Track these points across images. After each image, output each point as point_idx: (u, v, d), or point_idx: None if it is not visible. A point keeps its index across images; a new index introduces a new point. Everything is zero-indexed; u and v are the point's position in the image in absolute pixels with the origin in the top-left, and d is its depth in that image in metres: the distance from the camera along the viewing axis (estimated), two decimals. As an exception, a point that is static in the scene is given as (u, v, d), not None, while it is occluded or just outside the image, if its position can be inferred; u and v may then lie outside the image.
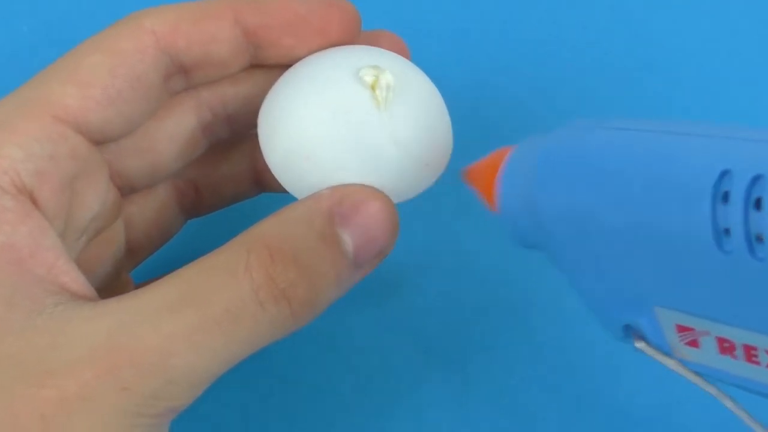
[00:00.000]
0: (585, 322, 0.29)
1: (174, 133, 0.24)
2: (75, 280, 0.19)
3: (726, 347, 0.12)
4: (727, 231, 0.11)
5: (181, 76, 0.22)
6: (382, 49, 0.23)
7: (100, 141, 0.21)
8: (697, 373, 0.14)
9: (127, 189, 0.24)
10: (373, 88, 0.21)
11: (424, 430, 0.28)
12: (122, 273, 0.25)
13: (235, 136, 0.27)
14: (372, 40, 0.24)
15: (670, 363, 0.14)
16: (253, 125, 0.24)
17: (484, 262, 0.30)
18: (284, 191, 0.27)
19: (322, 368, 0.29)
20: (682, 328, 0.13)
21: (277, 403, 0.28)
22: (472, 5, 0.34)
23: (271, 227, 0.20)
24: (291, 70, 0.23)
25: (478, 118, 0.31)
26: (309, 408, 0.28)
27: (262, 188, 0.28)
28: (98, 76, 0.20)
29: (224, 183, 0.27)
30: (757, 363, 0.12)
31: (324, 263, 0.20)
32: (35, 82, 0.21)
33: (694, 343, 0.13)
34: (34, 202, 0.19)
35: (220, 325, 0.18)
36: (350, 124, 0.21)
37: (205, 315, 0.18)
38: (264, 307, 0.19)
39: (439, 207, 0.30)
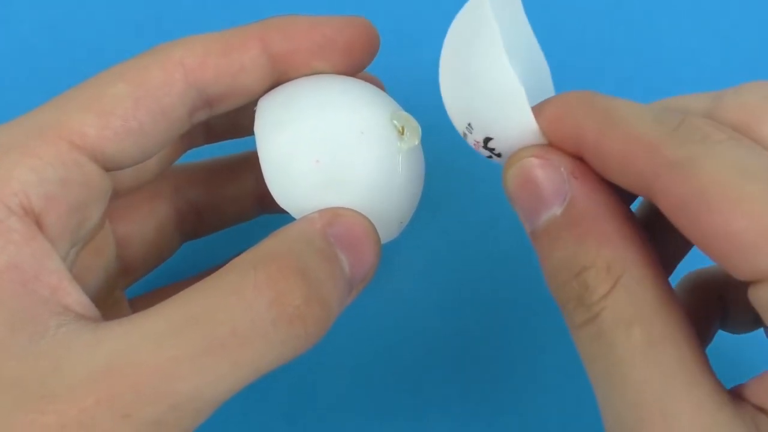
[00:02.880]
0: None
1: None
2: (79, 301, 0.19)
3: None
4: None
5: (206, 109, 0.22)
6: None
7: (112, 169, 0.21)
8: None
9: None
10: (401, 131, 0.22)
11: (424, 430, 0.28)
12: (116, 290, 0.25)
13: (239, 159, 0.27)
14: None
15: None
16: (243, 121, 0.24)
17: (485, 262, 0.30)
18: (285, 212, 0.27)
19: (322, 368, 0.29)
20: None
21: (277, 403, 0.28)
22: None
23: (274, 245, 0.19)
24: (307, 81, 0.22)
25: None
26: (309, 408, 0.28)
27: (263, 209, 0.28)
28: (121, 106, 0.20)
29: (227, 204, 0.27)
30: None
31: (330, 281, 0.19)
32: (55, 105, 0.20)
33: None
34: (39, 225, 0.19)
35: (226, 348, 0.18)
36: (373, 150, 0.21)
37: (210, 337, 0.18)
38: (276, 326, 0.18)
39: (441, 208, 0.30)
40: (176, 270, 0.30)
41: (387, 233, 0.23)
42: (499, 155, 0.20)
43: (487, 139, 0.20)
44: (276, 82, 0.23)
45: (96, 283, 0.23)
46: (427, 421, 0.28)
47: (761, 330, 0.25)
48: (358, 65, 0.23)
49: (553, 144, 0.19)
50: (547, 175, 0.19)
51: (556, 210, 0.19)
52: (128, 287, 0.26)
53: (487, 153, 0.21)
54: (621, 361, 0.17)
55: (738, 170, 0.16)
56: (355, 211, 0.21)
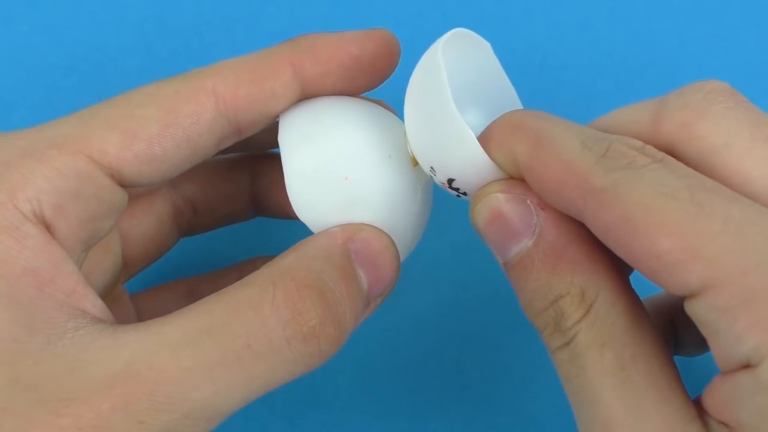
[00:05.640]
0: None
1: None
2: (94, 304, 0.19)
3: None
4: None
5: (235, 136, 0.22)
6: None
7: (128, 186, 0.21)
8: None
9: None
10: (414, 162, 0.22)
11: (424, 430, 0.28)
12: (117, 285, 0.25)
13: (235, 159, 0.27)
14: None
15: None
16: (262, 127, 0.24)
17: (485, 262, 0.30)
18: (279, 216, 0.27)
19: (322, 368, 0.29)
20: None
21: (278, 403, 0.28)
22: (471, 5, 0.34)
23: (294, 261, 0.20)
24: (332, 99, 0.23)
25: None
26: (309, 408, 0.28)
27: (258, 211, 0.28)
28: (147, 130, 0.20)
29: (221, 202, 0.27)
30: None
31: (347, 299, 0.20)
32: (81, 117, 0.20)
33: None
34: (51, 233, 0.19)
35: (240, 361, 0.18)
36: (397, 174, 0.22)
37: (226, 350, 0.18)
38: (291, 344, 0.18)
39: (439, 208, 0.30)
40: (175, 266, 0.30)
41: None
42: (465, 194, 0.21)
43: (450, 180, 0.20)
44: (299, 100, 0.23)
45: (103, 280, 0.24)
46: (427, 421, 0.28)
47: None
48: (381, 80, 0.23)
49: (508, 173, 0.20)
50: (515, 209, 0.19)
51: (527, 242, 0.19)
52: (127, 281, 0.26)
53: (454, 193, 0.21)
54: (593, 381, 0.18)
55: (659, 193, 0.16)
56: (376, 228, 0.21)
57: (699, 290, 0.16)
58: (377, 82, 0.23)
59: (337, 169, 0.21)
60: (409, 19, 0.33)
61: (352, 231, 0.21)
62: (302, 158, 0.21)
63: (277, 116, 0.22)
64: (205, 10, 0.34)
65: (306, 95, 0.22)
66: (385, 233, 0.21)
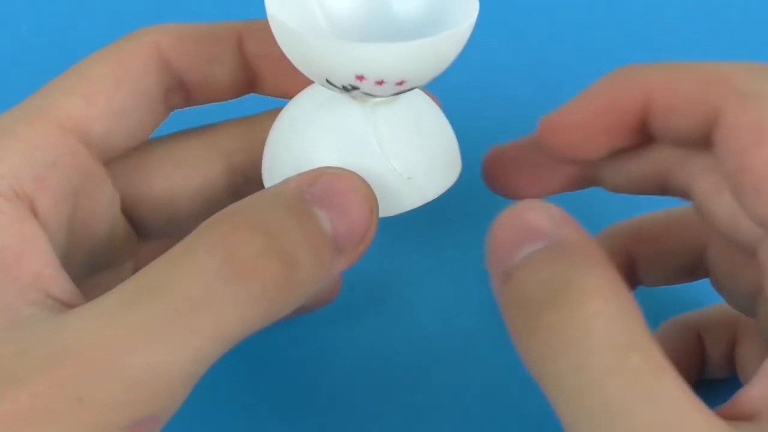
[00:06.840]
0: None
1: (200, 192, 0.24)
2: (63, 288, 0.18)
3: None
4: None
5: (182, 93, 0.23)
6: None
7: (103, 155, 0.21)
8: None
9: (142, 234, 0.24)
10: (349, 87, 0.20)
11: (424, 430, 0.28)
12: (126, 261, 0.24)
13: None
14: None
15: None
16: None
17: (485, 263, 0.30)
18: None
19: (322, 369, 0.29)
20: None
21: (278, 404, 0.28)
22: (472, 5, 0.34)
23: (233, 206, 0.18)
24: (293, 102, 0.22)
25: (477, 118, 0.31)
26: (309, 409, 0.28)
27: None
28: (103, 87, 0.21)
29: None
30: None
31: (296, 234, 0.18)
32: (41, 92, 0.21)
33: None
34: (33, 210, 0.19)
35: (180, 315, 0.16)
36: (335, 113, 0.20)
37: (162, 307, 0.16)
38: (230, 285, 0.17)
39: (438, 208, 0.30)
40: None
41: (396, 198, 0.21)
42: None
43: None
44: (253, 81, 0.23)
45: (104, 226, 0.22)
46: (428, 421, 0.28)
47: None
48: None
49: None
50: (537, 215, 0.17)
51: (539, 244, 0.17)
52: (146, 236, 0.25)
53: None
54: (621, 391, 0.15)
55: None
56: (342, 168, 0.19)
57: None
58: None
59: (282, 140, 0.21)
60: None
61: (312, 175, 0.19)
62: (269, 140, 0.22)
63: (226, 90, 0.23)
64: (205, 9, 0.34)
65: (260, 80, 0.23)
66: (350, 172, 0.19)
